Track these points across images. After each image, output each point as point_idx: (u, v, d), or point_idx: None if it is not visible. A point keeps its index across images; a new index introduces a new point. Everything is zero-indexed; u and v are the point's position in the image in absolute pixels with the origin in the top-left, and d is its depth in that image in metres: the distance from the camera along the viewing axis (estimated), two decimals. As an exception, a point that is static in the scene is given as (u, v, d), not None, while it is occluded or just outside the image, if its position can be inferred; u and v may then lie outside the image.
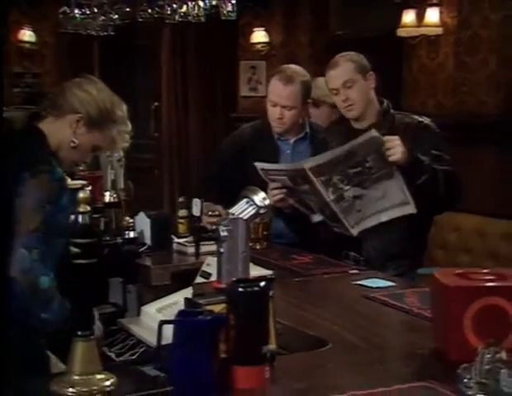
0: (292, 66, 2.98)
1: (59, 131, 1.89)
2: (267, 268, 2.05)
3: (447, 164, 2.47)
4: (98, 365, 1.23)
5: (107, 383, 1.22)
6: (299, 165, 2.40)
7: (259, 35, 6.50)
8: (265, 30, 6.50)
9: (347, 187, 2.38)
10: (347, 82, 2.56)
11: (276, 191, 2.51)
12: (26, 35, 5.76)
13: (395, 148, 2.34)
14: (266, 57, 6.53)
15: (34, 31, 5.99)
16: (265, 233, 2.65)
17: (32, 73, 5.83)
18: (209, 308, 1.36)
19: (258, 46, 6.52)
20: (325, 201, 2.41)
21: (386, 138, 2.38)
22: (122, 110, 1.98)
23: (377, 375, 1.43)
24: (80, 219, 1.23)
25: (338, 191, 2.38)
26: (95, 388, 1.21)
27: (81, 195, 1.23)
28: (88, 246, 1.21)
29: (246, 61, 6.42)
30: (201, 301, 1.40)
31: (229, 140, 3.08)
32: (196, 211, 1.92)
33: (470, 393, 1.26)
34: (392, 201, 2.43)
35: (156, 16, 3.53)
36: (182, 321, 1.26)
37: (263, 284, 1.33)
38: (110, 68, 6.56)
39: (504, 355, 1.29)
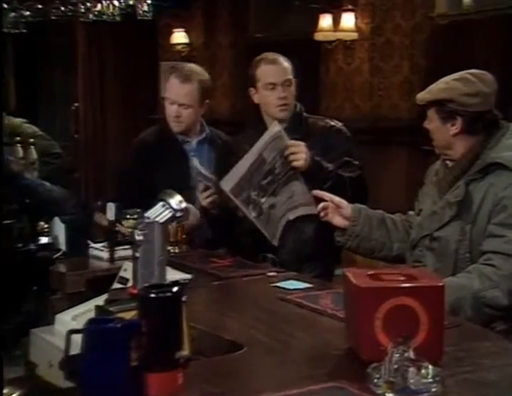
0: (191, 65, 2.99)
1: None
2: (186, 272, 2.03)
3: (356, 168, 2.57)
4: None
5: (12, 397, 1.18)
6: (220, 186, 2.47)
7: (179, 36, 6.47)
8: (185, 31, 6.48)
9: (263, 200, 2.45)
10: (287, 80, 2.58)
11: (206, 193, 2.61)
12: None
13: (299, 154, 2.40)
14: (187, 58, 6.50)
15: None
16: (184, 236, 2.63)
17: None
18: (120, 315, 1.34)
19: (179, 47, 6.50)
20: (249, 219, 2.49)
21: (291, 142, 2.43)
22: None
23: (291, 377, 1.44)
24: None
25: (257, 206, 2.45)
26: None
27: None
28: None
29: (166, 62, 6.37)
30: (111, 308, 1.37)
31: (134, 146, 3.01)
32: (110, 215, 1.88)
33: (379, 391, 1.29)
34: (299, 201, 2.51)
35: (69, 14, 3.44)
36: (91, 329, 1.23)
37: (175, 289, 1.32)
38: (26, 68, 6.32)
39: (411, 354, 1.32)
